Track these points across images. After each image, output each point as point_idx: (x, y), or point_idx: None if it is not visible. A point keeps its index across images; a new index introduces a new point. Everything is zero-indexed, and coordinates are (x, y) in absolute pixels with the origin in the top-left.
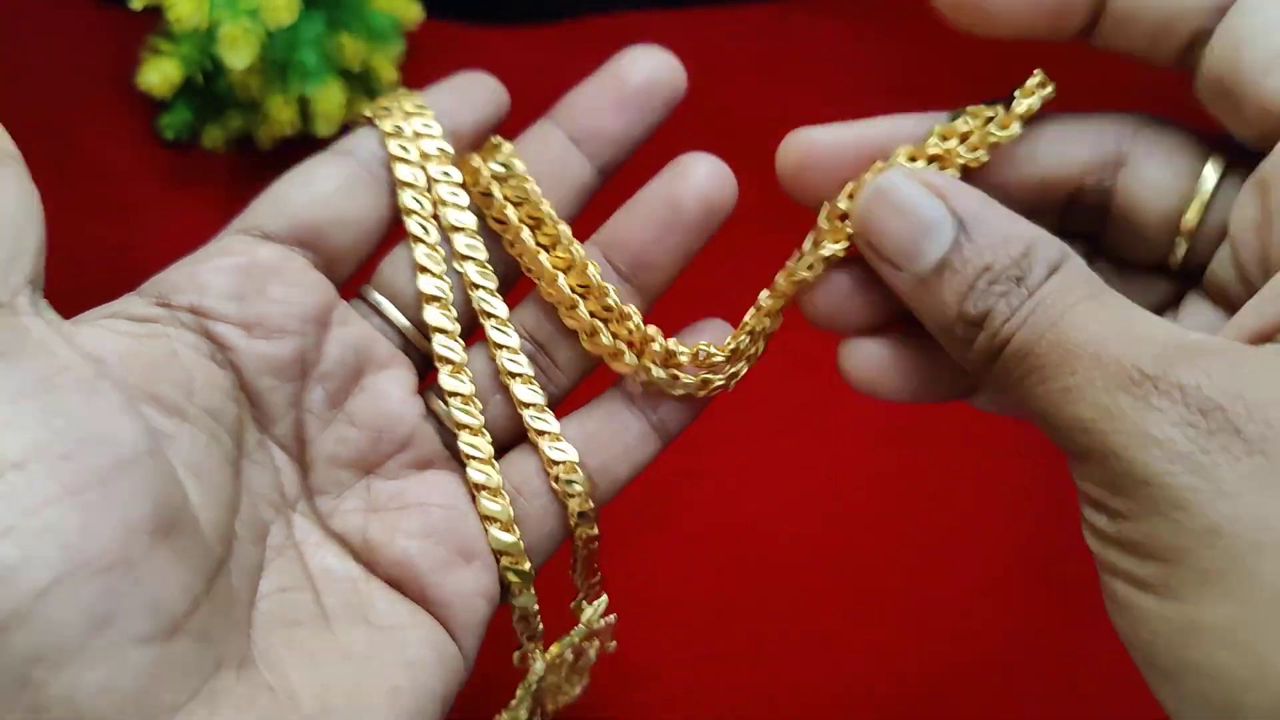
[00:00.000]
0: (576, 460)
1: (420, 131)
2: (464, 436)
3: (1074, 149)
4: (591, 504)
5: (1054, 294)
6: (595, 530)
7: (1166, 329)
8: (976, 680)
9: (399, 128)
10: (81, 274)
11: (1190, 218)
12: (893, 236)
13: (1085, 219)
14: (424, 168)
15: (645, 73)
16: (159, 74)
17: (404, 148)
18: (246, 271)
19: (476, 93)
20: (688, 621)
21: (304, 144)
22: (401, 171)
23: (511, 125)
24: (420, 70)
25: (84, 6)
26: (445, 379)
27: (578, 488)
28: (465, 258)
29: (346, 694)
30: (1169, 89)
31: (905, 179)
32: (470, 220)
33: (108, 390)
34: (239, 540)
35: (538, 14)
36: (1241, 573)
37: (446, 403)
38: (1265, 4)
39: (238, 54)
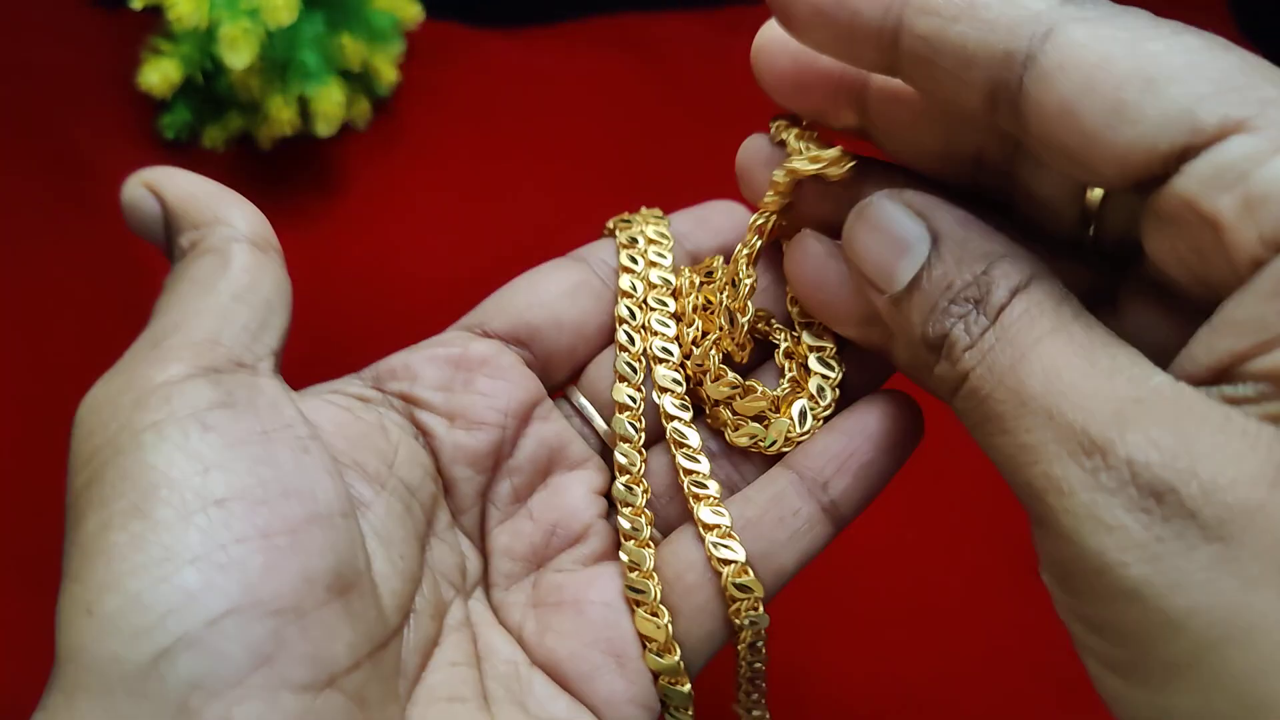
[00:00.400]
0: (744, 560)
1: (654, 244)
2: (627, 545)
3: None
4: (761, 609)
5: (1016, 326)
6: (763, 639)
7: (1127, 372)
8: (975, 679)
9: (634, 239)
10: (82, 273)
11: (1094, 195)
12: (872, 256)
13: (995, 187)
14: (647, 281)
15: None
16: (159, 74)
17: (633, 259)
18: (457, 363)
19: (719, 218)
20: None
21: (304, 144)
22: (623, 281)
23: (512, 125)
24: (420, 70)
25: (84, 6)
26: (619, 487)
27: (749, 590)
28: (664, 390)
29: None
30: None
31: (887, 199)
32: (674, 351)
33: (317, 451)
34: (417, 614)
35: (538, 14)
36: (1206, 667)
37: (619, 511)
38: (1075, 50)
39: (238, 54)
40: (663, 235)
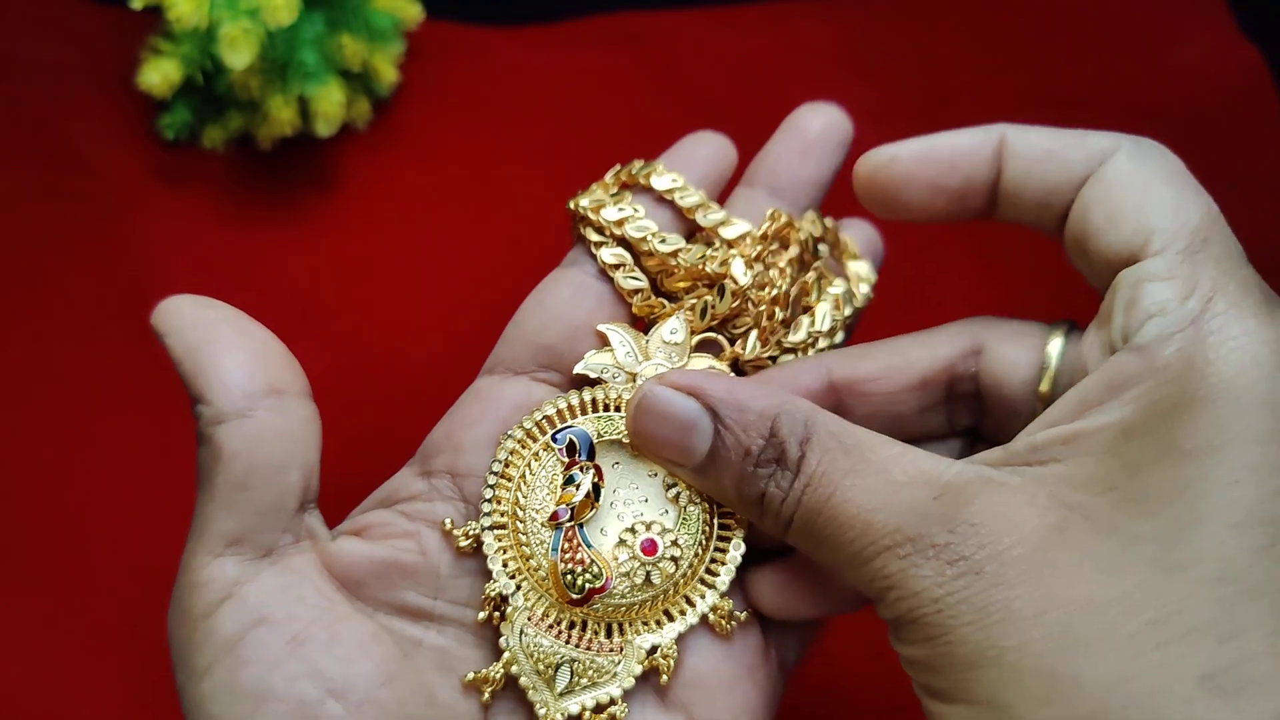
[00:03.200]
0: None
1: (620, 217)
2: None
3: (940, 348)
4: None
5: (819, 474)
6: None
7: (922, 476)
8: None
9: (600, 222)
10: (82, 273)
11: (1044, 388)
12: (664, 441)
13: (966, 410)
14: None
15: (821, 122)
16: (159, 74)
17: (602, 237)
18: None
19: (702, 150)
20: None
21: (304, 144)
22: (604, 255)
23: (512, 125)
24: (420, 70)
25: (84, 6)
26: None
27: None
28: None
29: None
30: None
31: (658, 386)
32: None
33: (350, 631)
34: None
35: (538, 14)
36: (975, 687)
37: None
38: (1109, 176)
39: (238, 54)
40: (624, 209)
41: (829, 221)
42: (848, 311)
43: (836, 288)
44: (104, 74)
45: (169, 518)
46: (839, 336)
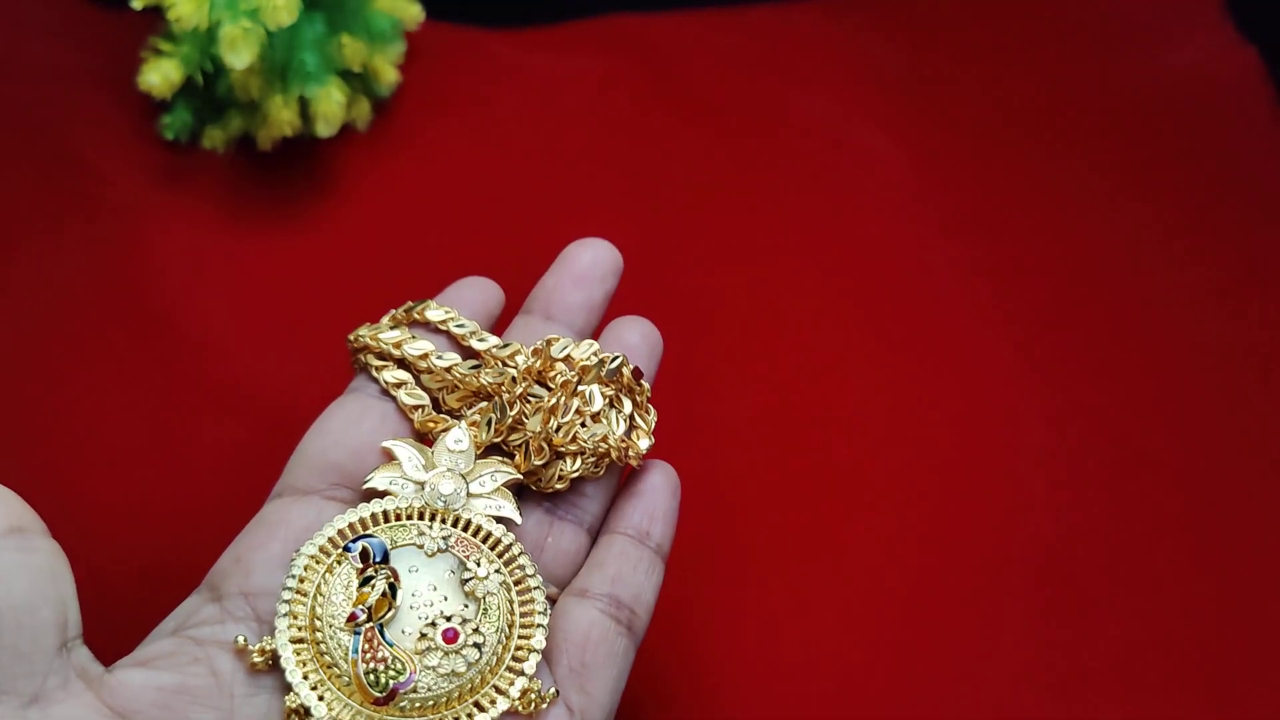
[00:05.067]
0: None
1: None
2: None
3: None
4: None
5: None
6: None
7: None
8: (971, 678)
9: (379, 346)
10: (81, 273)
11: None
12: None
13: None
14: (406, 365)
15: (589, 256)
16: (159, 74)
17: (383, 361)
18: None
19: (468, 294)
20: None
21: (304, 145)
22: (386, 376)
23: (512, 126)
24: (420, 71)
25: (84, 6)
26: None
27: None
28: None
29: None
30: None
31: None
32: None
33: None
34: None
35: (538, 14)
36: None
37: None
38: None
39: (238, 55)
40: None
41: (625, 369)
42: (604, 455)
43: (617, 425)
44: (105, 75)
45: (169, 517)
46: (597, 469)
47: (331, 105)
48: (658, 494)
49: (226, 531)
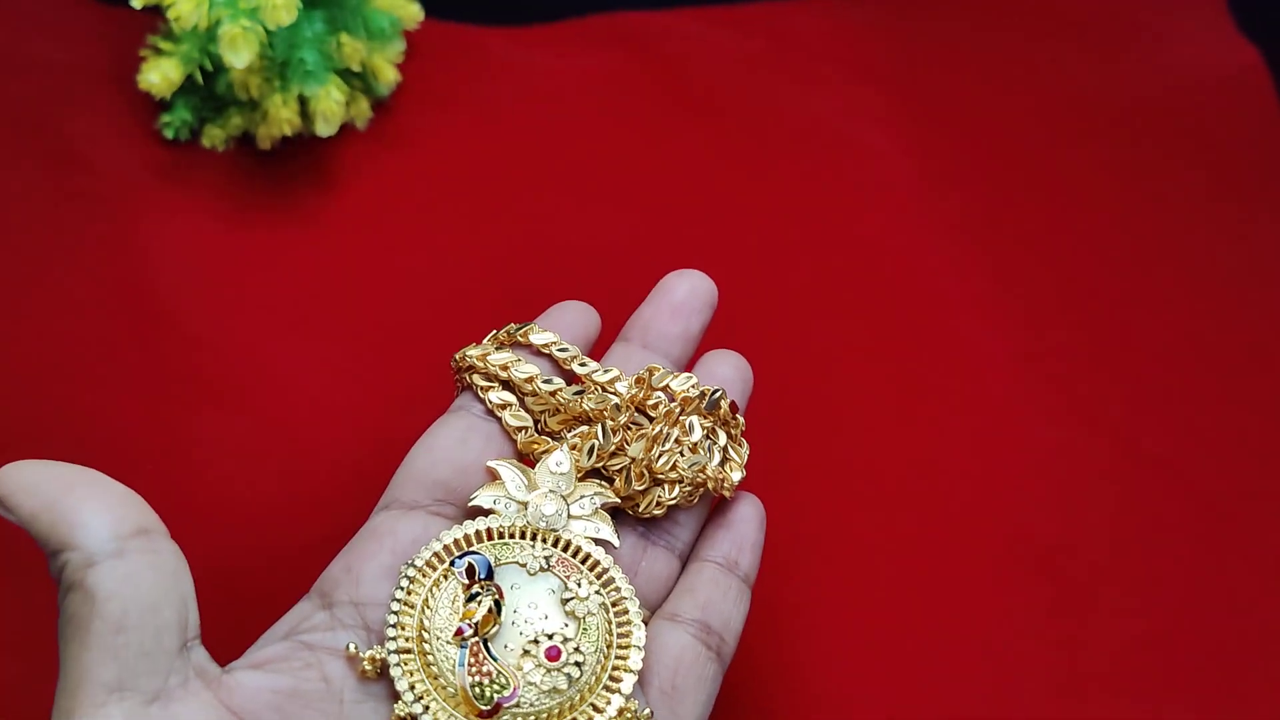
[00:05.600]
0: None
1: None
2: None
3: None
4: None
5: None
6: None
7: None
8: (970, 678)
9: (487, 368)
10: (81, 273)
11: None
12: None
13: None
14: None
15: (686, 288)
16: (159, 74)
17: (489, 382)
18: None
19: (569, 316)
20: None
21: (304, 144)
22: (492, 398)
23: (512, 125)
24: (420, 70)
25: (84, 6)
26: None
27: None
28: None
29: None
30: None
31: None
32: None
33: None
34: None
35: (538, 14)
36: None
37: None
38: None
39: (238, 54)
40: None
41: (724, 402)
42: (700, 485)
43: (713, 457)
44: (104, 73)
45: (170, 517)
46: (691, 498)
47: (331, 104)
48: (747, 525)
49: (225, 527)
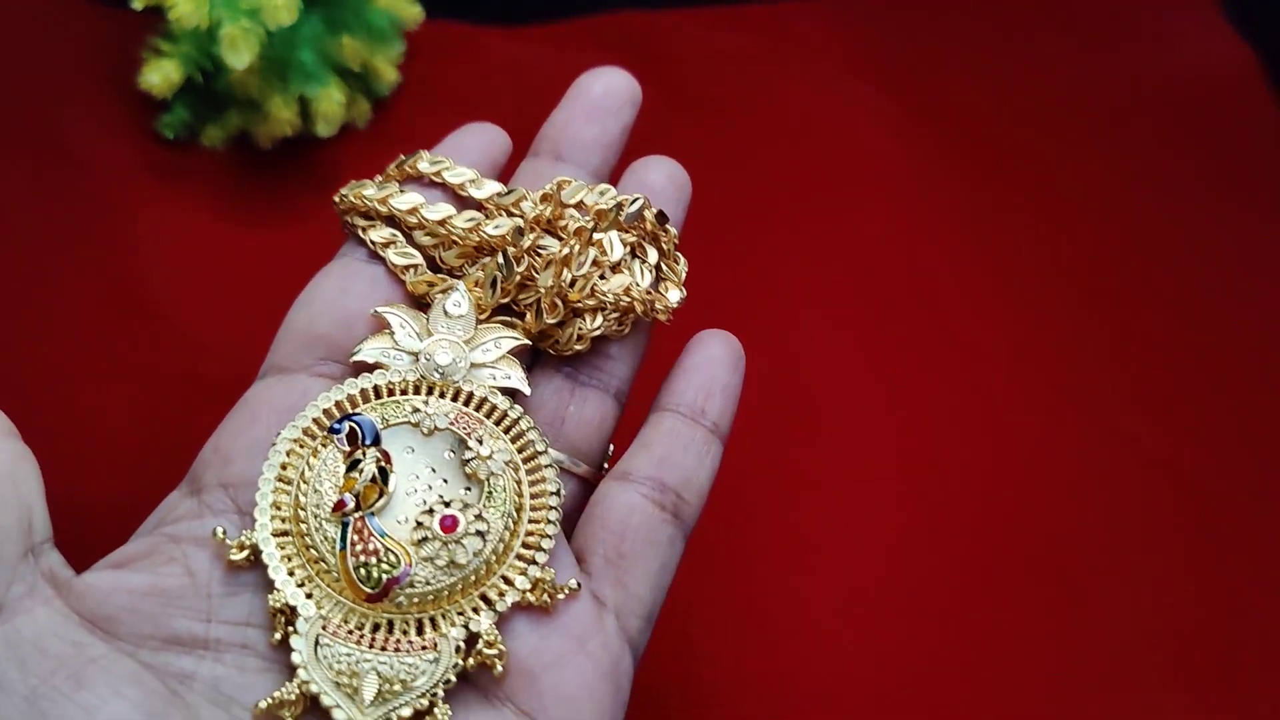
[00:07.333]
0: None
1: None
2: None
3: None
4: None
5: None
6: None
7: None
8: (970, 677)
9: (364, 204)
10: (81, 272)
11: None
12: None
13: None
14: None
15: (601, 86)
16: (159, 74)
17: (370, 221)
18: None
19: (471, 140)
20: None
21: (304, 144)
22: (373, 236)
23: (512, 124)
24: (420, 70)
25: (84, 6)
26: None
27: None
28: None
29: None
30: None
31: None
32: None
33: (98, 675)
34: None
35: (538, 14)
36: None
37: None
38: None
39: (238, 54)
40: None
41: (648, 212)
42: (628, 309)
43: (642, 276)
44: (104, 74)
45: None
46: (621, 327)
47: (331, 105)
48: (716, 365)
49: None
